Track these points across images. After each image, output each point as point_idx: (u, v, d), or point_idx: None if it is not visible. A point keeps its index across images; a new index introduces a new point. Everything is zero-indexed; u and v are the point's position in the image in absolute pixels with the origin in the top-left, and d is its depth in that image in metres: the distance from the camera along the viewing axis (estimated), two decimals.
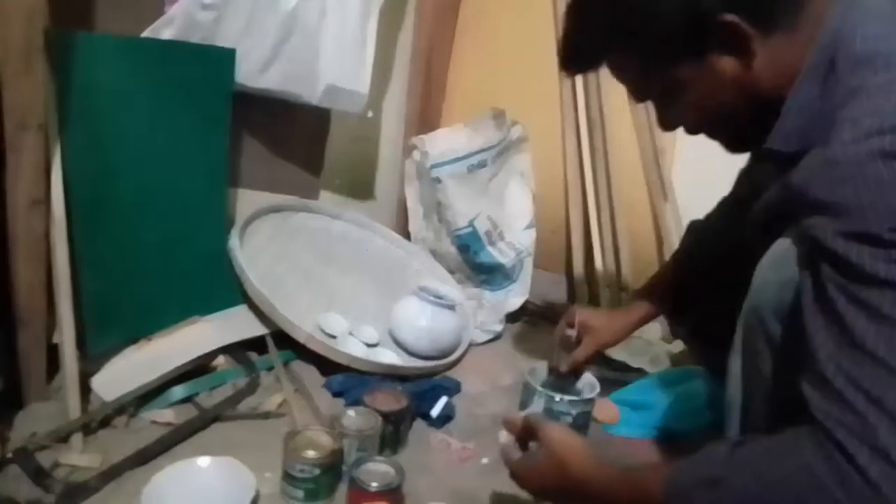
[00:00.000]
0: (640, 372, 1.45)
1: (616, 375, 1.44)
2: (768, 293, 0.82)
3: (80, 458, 1.01)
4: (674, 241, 1.66)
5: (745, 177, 1.14)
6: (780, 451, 0.63)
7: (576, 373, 1.23)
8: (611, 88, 1.67)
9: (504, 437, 0.92)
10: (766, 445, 0.65)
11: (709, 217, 1.20)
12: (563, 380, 1.22)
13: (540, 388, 1.18)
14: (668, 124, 0.87)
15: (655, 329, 1.53)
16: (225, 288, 1.38)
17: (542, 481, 0.84)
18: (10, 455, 0.98)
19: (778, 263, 0.79)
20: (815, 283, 0.64)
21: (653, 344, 1.51)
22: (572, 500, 0.82)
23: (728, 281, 1.05)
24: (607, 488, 0.76)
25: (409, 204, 1.75)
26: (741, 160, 1.06)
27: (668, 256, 1.60)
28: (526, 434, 0.89)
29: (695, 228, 1.23)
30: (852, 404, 0.58)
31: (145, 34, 1.26)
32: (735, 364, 0.90)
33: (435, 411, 1.23)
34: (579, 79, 1.70)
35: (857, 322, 0.59)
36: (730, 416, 0.93)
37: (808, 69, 0.71)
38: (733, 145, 0.86)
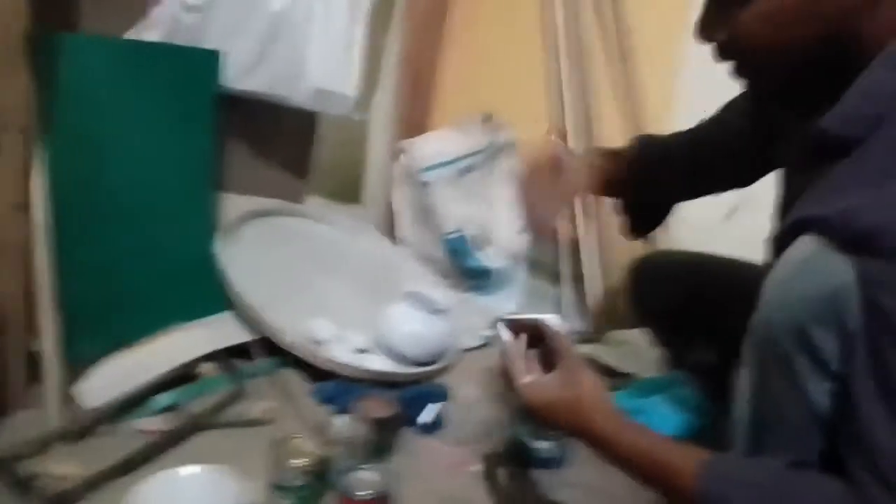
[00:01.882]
0: (627, 377, 1.44)
1: (606, 381, 1.43)
2: (783, 310, 0.72)
3: (62, 467, 0.99)
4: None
5: (728, 122, 1.05)
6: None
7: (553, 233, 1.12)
8: (600, 90, 1.68)
9: (506, 335, 0.87)
10: (821, 487, 0.63)
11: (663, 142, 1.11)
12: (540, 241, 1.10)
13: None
14: (709, 28, 0.73)
15: (644, 335, 1.53)
16: (210, 294, 1.36)
17: (554, 417, 0.81)
18: None
19: (794, 278, 0.70)
20: (875, 353, 0.60)
21: (643, 349, 1.50)
22: (582, 441, 0.79)
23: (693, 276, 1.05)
24: (628, 454, 0.74)
25: (397, 208, 1.75)
26: None
27: None
28: (537, 343, 0.84)
29: (646, 144, 1.13)
30: None
31: (129, 36, 1.25)
32: (744, 380, 0.81)
33: (425, 418, 1.22)
34: (567, 81, 1.70)
35: None
36: (739, 433, 0.84)
37: None
38: (764, 94, 0.76)
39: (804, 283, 0.66)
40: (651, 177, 1.10)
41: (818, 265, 0.65)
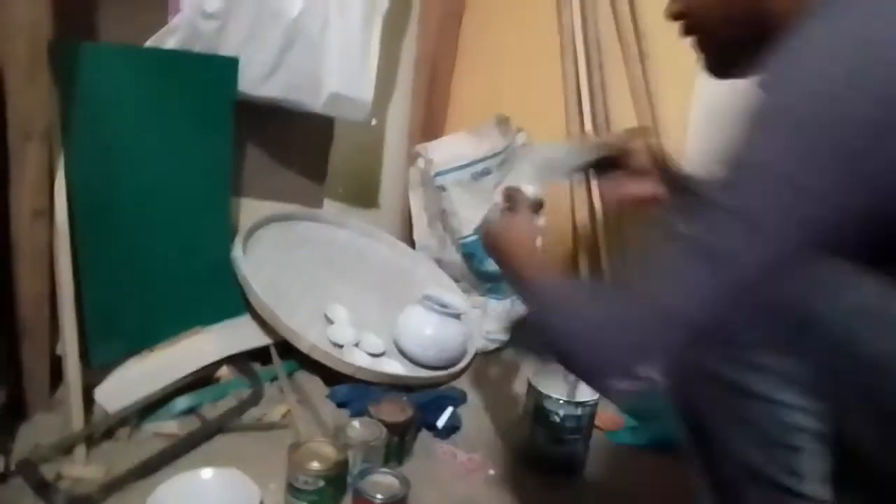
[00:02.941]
0: None
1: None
2: None
3: (83, 469, 1.01)
4: None
5: None
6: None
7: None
8: (616, 94, 1.67)
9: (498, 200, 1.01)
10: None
11: None
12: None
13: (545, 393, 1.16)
14: (670, 7, 0.84)
15: None
16: (229, 298, 1.38)
17: (487, 240, 0.96)
18: (13, 467, 0.97)
19: None
20: None
21: None
22: (499, 263, 0.93)
23: None
24: (518, 268, 0.87)
25: (414, 212, 1.75)
26: None
27: None
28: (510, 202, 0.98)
29: None
30: None
31: (149, 43, 1.26)
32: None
33: (441, 422, 1.22)
34: (584, 84, 1.69)
35: None
36: None
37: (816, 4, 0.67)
38: (717, 65, 0.84)
39: None
40: None
41: None
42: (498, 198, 1.02)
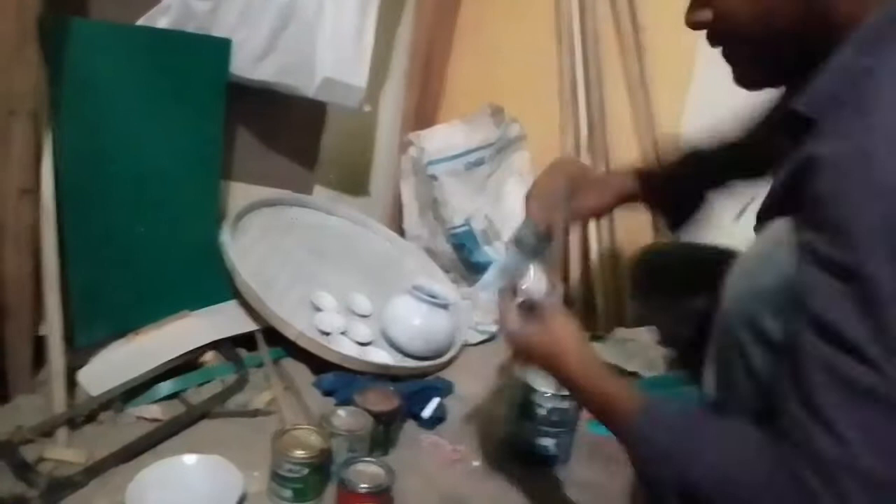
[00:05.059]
0: (634, 376, 1.44)
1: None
2: (740, 303, 0.75)
3: (65, 452, 1.00)
4: None
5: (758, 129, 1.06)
6: (755, 452, 0.63)
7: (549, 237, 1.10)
8: (612, 86, 1.66)
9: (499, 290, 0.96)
10: (745, 438, 0.65)
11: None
12: (539, 243, 1.09)
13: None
14: (695, 9, 0.75)
15: (650, 334, 1.53)
16: (215, 283, 1.36)
17: (530, 355, 0.89)
18: None
19: (750, 272, 0.73)
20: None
21: (648, 347, 1.50)
22: (559, 381, 0.88)
23: (698, 279, 1.05)
24: (585, 389, 0.82)
25: (405, 201, 1.74)
26: None
27: None
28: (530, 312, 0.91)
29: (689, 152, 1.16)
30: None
31: (140, 22, 1.25)
32: (709, 373, 0.85)
33: (426, 412, 1.22)
34: (580, 76, 1.68)
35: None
36: None
37: (868, 25, 0.62)
38: (750, 77, 0.77)
39: (758, 275, 0.69)
40: (685, 170, 1.13)
41: (773, 257, 0.67)
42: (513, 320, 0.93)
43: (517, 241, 1.09)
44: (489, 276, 1.10)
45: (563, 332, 0.86)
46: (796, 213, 0.65)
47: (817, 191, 0.60)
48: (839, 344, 0.57)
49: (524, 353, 0.91)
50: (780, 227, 0.68)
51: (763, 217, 0.74)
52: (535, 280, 0.95)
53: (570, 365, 0.83)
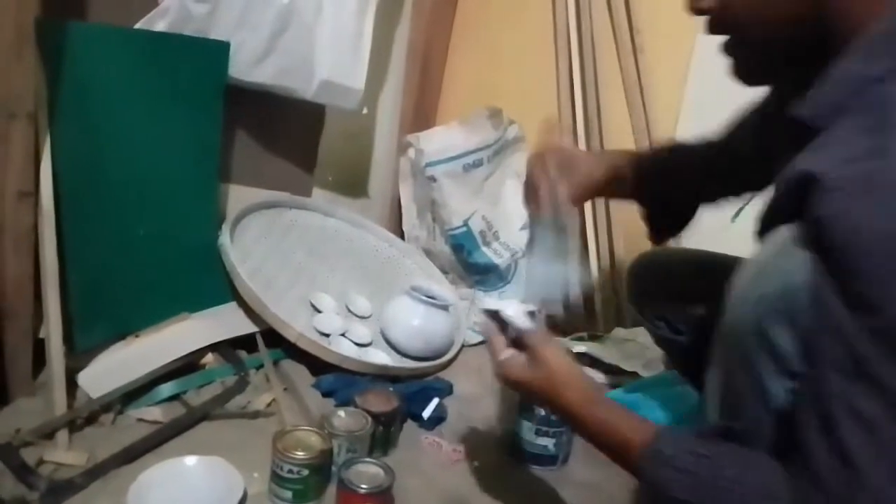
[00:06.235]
0: (633, 375, 1.44)
1: (609, 378, 1.43)
2: (745, 310, 0.73)
3: (65, 455, 1.00)
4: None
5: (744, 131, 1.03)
6: (766, 486, 0.62)
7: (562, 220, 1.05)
8: (609, 88, 1.67)
9: (486, 319, 0.92)
10: (756, 465, 0.64)
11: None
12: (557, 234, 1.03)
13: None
14: (700, 1, 0.72)
15: (646, 333, 1.53)
16: (215, 284, 1.37)
17: (530, 394, 0.86)
18: None
19: (756, 278, 0.71)
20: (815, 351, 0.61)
21: (647, 347, 1.50)
22: (557, 414, 0.85)
23: (699, 284, 1.04)
24: (591, 426, 0.79)
25: (403, 202, 1.74)
26: None
27: None
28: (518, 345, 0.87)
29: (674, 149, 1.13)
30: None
31: (139, 25, 1.25)
32: (712, 380, 0.82)
33: (426, 413, 1.22)
34: (577, 77, 1.69)
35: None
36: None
37: (878, 34, 0.60)
38: (751, 71, 0.74)
39: (764, 282, 0.67)
40: (672, 177, 1.09)
41: (778, 264, 0.66)
42: (485, 319, 0.92)
43: (534, 243, 1.04)
44: (533, 292, 1.00)
45: (556, 364, 0.83)
46: (799, 223, 0.64)
47: (821, 214, 0.59)
48: (868, 383, 0.57)
49: (522, 395, 0.90)
50: (785, 233, 0.67)
51: (765, 223, 0.72)
52: (515, 308, 0.89)
53: (569, 399, 0.81)
